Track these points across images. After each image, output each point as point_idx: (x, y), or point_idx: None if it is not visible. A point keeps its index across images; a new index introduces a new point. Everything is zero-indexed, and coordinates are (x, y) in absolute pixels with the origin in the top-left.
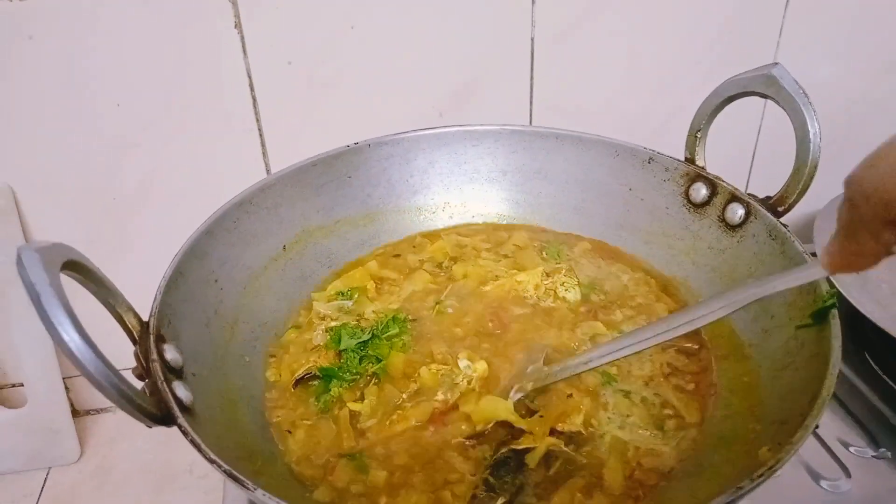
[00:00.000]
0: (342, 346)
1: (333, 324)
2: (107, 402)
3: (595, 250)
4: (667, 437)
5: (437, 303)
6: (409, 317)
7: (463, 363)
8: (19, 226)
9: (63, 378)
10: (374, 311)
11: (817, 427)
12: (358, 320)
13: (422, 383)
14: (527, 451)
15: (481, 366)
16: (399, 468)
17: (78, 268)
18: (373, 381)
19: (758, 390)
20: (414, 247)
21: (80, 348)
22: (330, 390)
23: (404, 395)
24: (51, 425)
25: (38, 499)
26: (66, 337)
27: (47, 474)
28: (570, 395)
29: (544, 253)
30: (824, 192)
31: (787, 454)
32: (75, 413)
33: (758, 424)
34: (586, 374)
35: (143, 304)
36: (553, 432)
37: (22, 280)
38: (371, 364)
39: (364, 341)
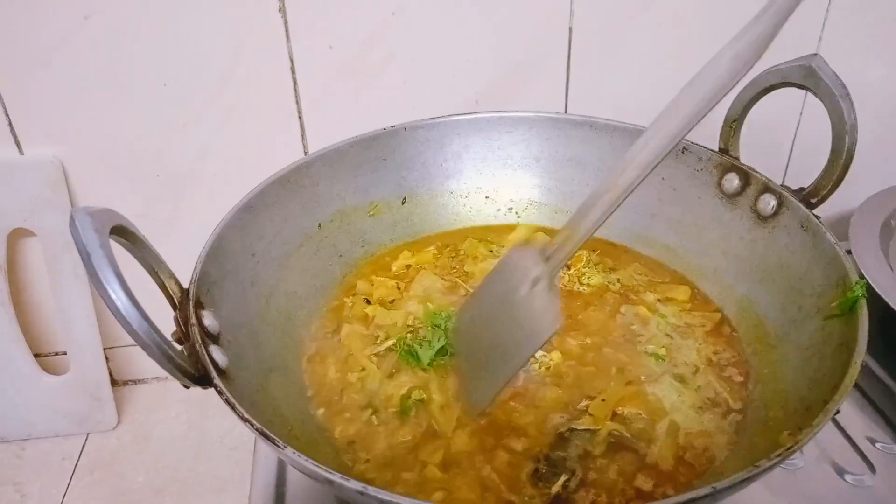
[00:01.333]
0: (426, 362)
1: (388, 343)
2: (144, 374)
3: (604, 254)
4: (717, 424)
5: None
6: None
7: (538, 352)
8: (68, 198)
9: (104, 349)
10: (411, 314)
11: (838, 412)
12: (412, 331)
13: None
14: (587, 431)
15: (556, 355)
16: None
17: (125, 233)
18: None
19: (783, 379)
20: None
21: (127, 307)
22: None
23: None
24: (91, 393)
25: (77, 461)
26: (113, 295)
27: (86, 439)
28: (629, 383)
29: None
30: (863, 191)
31: (806, 437)
32: (114, 383)
33: (780, 412)
34: (645, 362)
35: (185, 277)
36: (614, 416)
37: (74, 240)
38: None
39: (443, 348)
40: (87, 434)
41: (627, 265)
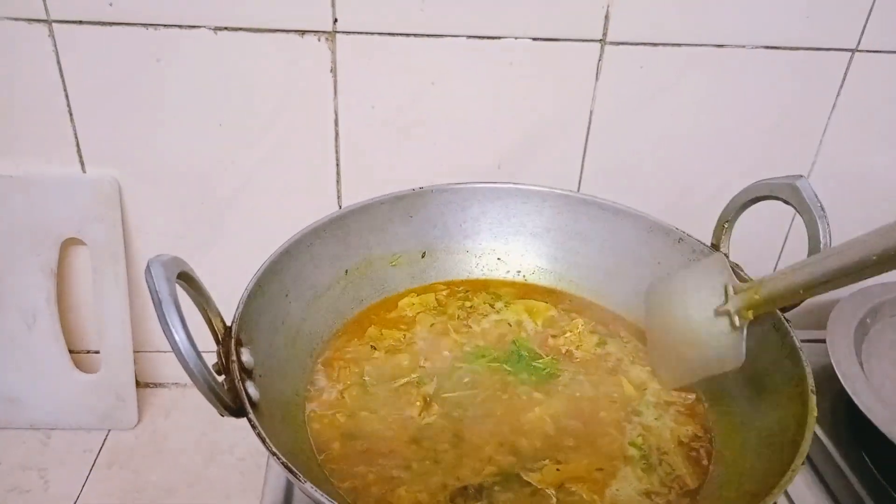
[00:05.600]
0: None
1: (402, 381)
2: (165, 378)
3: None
4: None
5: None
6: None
7: None
8: (120, 214)
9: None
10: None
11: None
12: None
13: None
14: (528, 485)
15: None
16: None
17: (186, 278)
18: None
19: (742, 462)
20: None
21: (186, 348)
22: None
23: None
24: (117, 392)
25: (97, 455)
26: (177, 337)
27: (107, 435)
28: (600, 469)
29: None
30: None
31: None
32: (137, 384)
33: (733, 492)
34: (620, 446)
35: (220, 291)
36: (560, 486)
37: (148, 287)
38: None
39: None
40: (108, 430)
41: (618, 333)
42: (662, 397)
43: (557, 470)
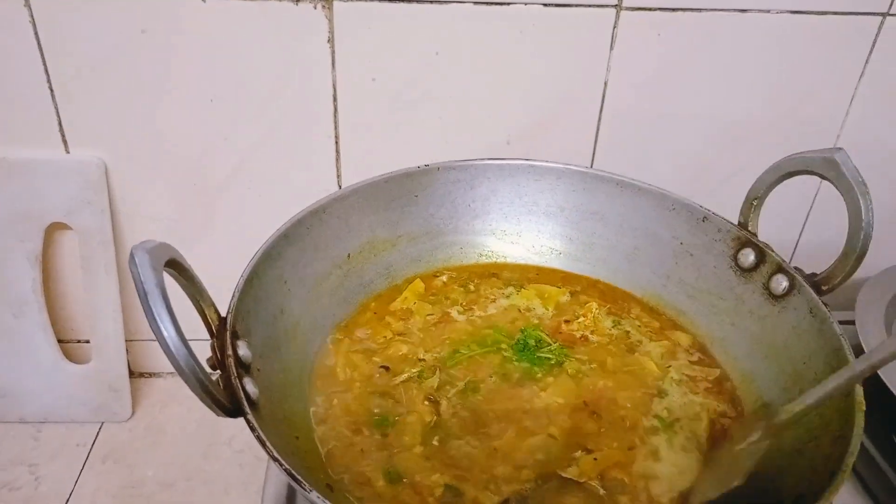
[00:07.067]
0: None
1: (403, 376)
2: (160, 368)
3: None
4: None
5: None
6: None
7: None
8: (107, 198)
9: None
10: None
11: None
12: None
13: None
14: (570, 480)
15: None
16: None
17: (176, 266)
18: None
19: (780, 461)
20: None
21: (175, 343)
22: None
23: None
24: (110, 383)
25: (91, 449)
26: (165, 333)
27: (100, 428)
28: (631, 448)
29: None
30: (878, 261)
31: None
32: (130, 374)
33: (774, 498)
34: (649, 425)
35: (216, 279)
36: (602, 476)
37: (133, 277)
38: None
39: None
40: (102, 423)
41: (631, 313)
42: (685, 372)
43: (595, 460)
